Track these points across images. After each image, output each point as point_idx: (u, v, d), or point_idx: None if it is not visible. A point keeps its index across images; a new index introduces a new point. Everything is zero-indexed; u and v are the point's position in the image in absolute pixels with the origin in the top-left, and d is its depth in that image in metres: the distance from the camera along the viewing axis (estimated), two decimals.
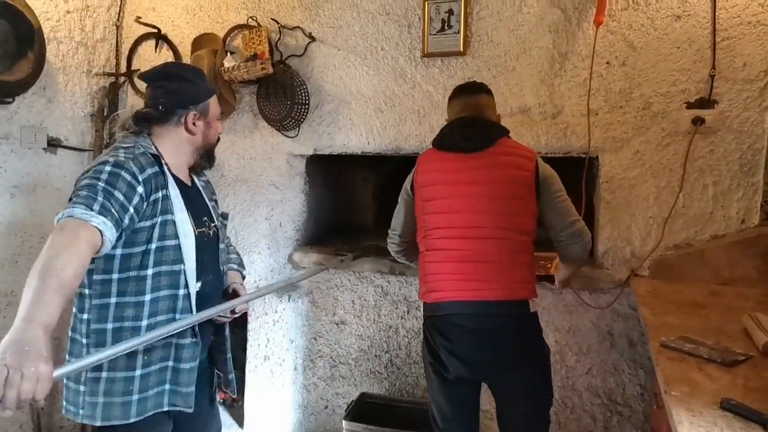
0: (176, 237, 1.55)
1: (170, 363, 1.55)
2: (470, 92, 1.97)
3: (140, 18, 2.94)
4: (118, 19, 3.00)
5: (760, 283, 2.11)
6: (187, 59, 2.86)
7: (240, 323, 3.00)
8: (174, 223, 1.55)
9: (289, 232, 2.84)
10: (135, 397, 1.49)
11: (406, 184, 1.99)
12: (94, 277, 1.48)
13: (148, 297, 1.50)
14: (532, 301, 1.80)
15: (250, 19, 2.69)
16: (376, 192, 3.44)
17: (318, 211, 3.01)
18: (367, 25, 2.59)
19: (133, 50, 3.00)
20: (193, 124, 1.65)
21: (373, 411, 2.50)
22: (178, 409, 1.56)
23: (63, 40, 2.80)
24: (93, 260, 1.43)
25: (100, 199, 1.36)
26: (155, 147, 1.60)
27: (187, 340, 1.56)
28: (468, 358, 1.78)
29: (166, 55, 2.95)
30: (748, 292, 2.06)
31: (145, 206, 1.48)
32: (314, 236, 2.96)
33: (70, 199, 1.39)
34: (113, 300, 1.48)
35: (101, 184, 1.39)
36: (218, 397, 3.04)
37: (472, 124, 1.87)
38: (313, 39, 2.66)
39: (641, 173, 2.26)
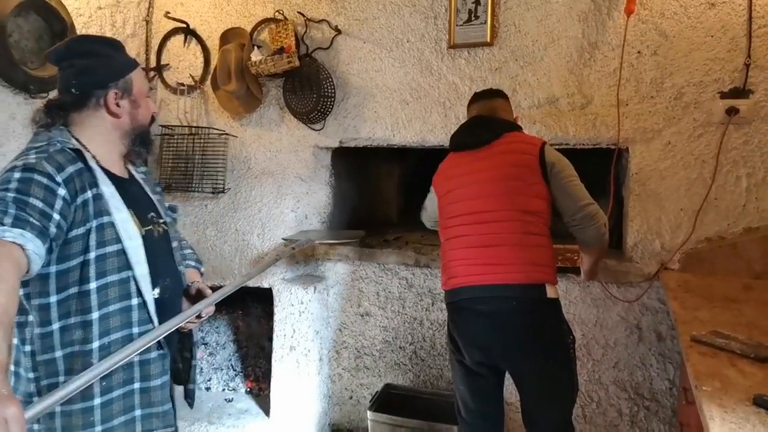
0: (118, 241, 1.33)
1: (136, 385, 1.37)
2: (486, 96, 2.05)
3: (169, 13, 2.98)
4: (147, 15, 3.04)
5: None
6: (215, 53, 2.89)
7: (266, 314, 3.05)
8: (113, 224, 1.33)
9: (315, 224, 2.86)
10: (98, 428, 1.29)
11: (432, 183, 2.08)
12: (32, 302, 1.28)
13: (95, 315, 1.30)
14: (551, 287, 1.79)
15: (276, 13, 2.71)
16: (401, 185, 3.44)
17: (343, 203, 3.02)
18: (392, 17, 2.58)
19: (162, 45, 3.04)
20: (116, 104, 1.40)
21: (398, 402, 2.51)
22: None
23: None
24: (27, 282, 1.26)
25: (11, 211, 1.14)
26: (75, 139, 1.37)
27: (153, 354, 1.39)
28: (481, 342, 1.80)
29: (194, 50, 2.99)
30: None
31: (73, 210, 1.26)
32: (340, 228, 2.98)
33: None
34: (56, 326, 1.28)
35: (11, 194, 1.17)
36: (246, 385, 3.12)
37: (477, 123, 1.97)
38: (339, 32, 2.67)
39: (672, 165, 2.21)
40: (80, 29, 2.71)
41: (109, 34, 2.89)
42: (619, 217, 2.39)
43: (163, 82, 3.05)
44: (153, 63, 3.06)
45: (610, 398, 2.36)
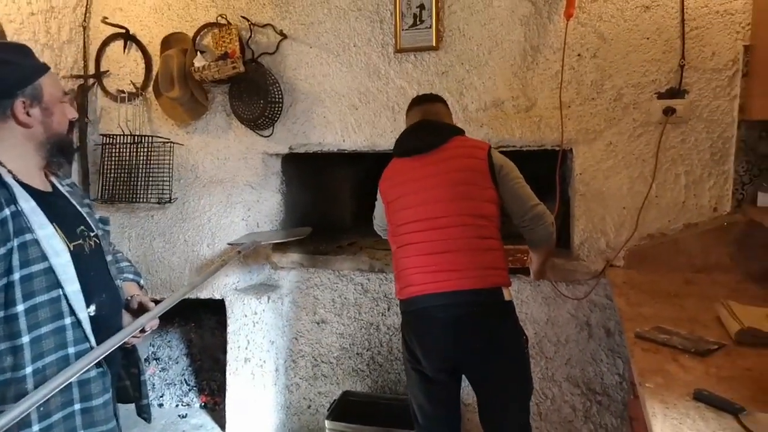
0: (44, 258, 1.27)
1: (77, 406, 1.32)
2: (425, 101, 2.05)
3: (107, 18, 2.87)
4: (84, 20, 2.92)
5: (733, 270, 2.15)
6: (157, 59, 2.80)
7: (221, 325, 2.98)
8: (37, 242, 1.26)
9: (269, 231, 2.81)
10: None
11: (378, 188, 2.04)
12: None
13: (26, 338, 1.23)
14: (506, 289, 1.81)
15: (219, 17, 2.64)
16: (354, 189, 3.42)
17: (295, 210, 2.98)
18: (338, 21, 2.56)
19: (101, 51, 2.93)
20: (26, 113, 1.32)
21: (356, 409, 2.50)
22: None
23: (27, 42, 2.69)
24: None
25: None
26: None
27: (92, 373, 1.34)
28: (442, 350, 1.79)
29: (135, 56, 2.88)
30: (723, 279, 2.09)
31: None
32: None
33: None
34: None
35: None
36: (200, 400, 3.04)
37: (423, 127, 1.95)
38: (284, 36, 2.63)
39: (614, 164, 2.28)
40: (11, 36, 2.59)
41: (43, 41, 2.77)
42: (566, 217, 2.44)
43: (103, 89, 2.93)
44: (92, 70, 2.95)
45: (564, 395, 2.41)
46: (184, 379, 3.13)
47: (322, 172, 3.23)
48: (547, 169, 2.34)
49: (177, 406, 3.08)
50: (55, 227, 1.32)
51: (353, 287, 2.68)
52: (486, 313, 1.77)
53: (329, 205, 3.37)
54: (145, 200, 2.84)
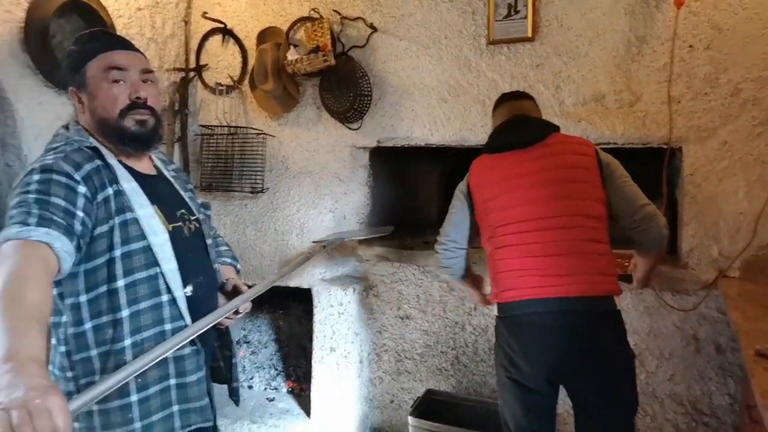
0: (143, 237, 1.31)
1: (172, 381, 1.36)
2: (514, 98, 1.95)
3: (206, 13, 2.98)
4: (186, 15, 3.05)
5: None
6: (252, 53, 2.88)
7: (307, 314, 3.06)
8: (137, 221, 1.31)
9: (353, 224, 2.83)
10: (137, 425, 1.29)
11: (460, 190, 1.93)
12: (65, 301, 1.28)
13: (125, 312, 1.29)
14: (617, 298, 1.70)
15: (312, 11, 2.67)
16: (441, 185, 3.37)
17: (382, 203, 2.98)
18: (429, 13, 2.50)
19: (201, 45, 3.05)
20: (79, 102, 1.35)
21: (439, 408, 2.47)
22: (194, 427, 1.40)
23: (134, 36, 2.86)
24: (60, 282, 1.26)
25: (35, 211, 1.14)
26: (93, 137, 1.35)
27: (187, 350, 1.37)
28: (549, 359, 1.69)
29: (232, 50, 2.98)
30: None
31: (95, 208, 1.25)
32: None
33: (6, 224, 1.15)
34: (88, 325, 1.28)
35: (32, 195, 1.17)
36: (287, 385, 3.15)
37: (519, 122, 1.84)
38: (374, 29, 2.61)
39: (729, 165, 2.07)
40: (120, 30, 2.74)
41: (148, 35, 2.92)
42: (673, 222, 2.26)
43: (203, 82, 3.06)
44: (192, 63, 3.08)
45: (666, 412, 2.25)
46: (272, 364, 3.25)
47: (408, 166, 3.21)
48: (650, 169, 2.18)
49: (265, 389, 3.20)
50: (155, 209, 1.36)
51: (438, 284, 2.65)
52: (597, 323, 1.66)
53: (415, 200, 3.34)
54: (239, 189, 2.95)
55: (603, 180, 1.72)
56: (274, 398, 3.10)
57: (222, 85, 2.99)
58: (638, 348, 2.25)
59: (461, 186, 1.93)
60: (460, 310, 2.60)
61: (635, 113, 2.19)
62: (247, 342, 3.33)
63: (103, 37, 1.42)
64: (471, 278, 2.07)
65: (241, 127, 2.95)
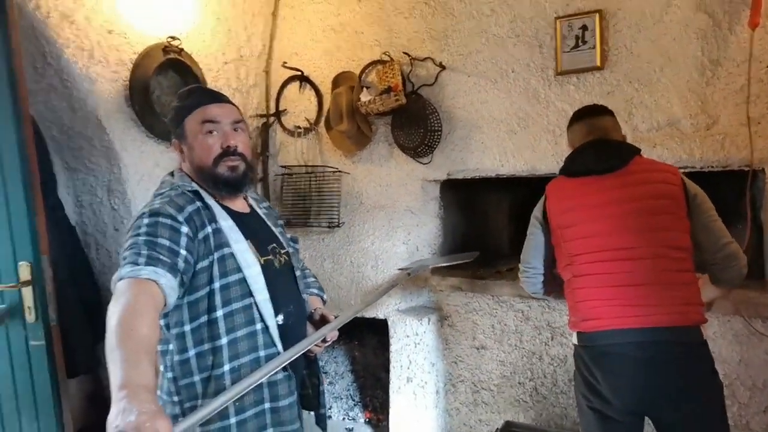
0: (239, 270, 1.43)
1: (267, 405, 1.46)
2: (593, 114, 1.89)
3: (286, 63, 3.20)
4: (266, 66, 3.29)
5: None
6: (327, 97, 3.06)
7: (381, 345, 3.12)
8: (233, 255, 1.43)
9: (426, 255, 2.89)
10: None
11: (536, 214, 1.92)
12: (171, 331, 1.41)
13: (224, 340, 1.40)
14: (704, 327, 1.66)
15: (383, 55, 2.82)
16: (511, 215, 3.38)
17: (453, 235, 3.04)
18: (496, 49, 2.59)
19: (280, 92, 3.27)
20: (181, 152, 1.54)
21: None
22: None
23: (222, 88, 3.11)
24: (166, 314, 1.39)
25: (144, 252, 1.27)
26: (195, 182, 1.51)
27: (280, 375, 1.47)
28: (635, 392, 1.65)
29: (308, 95, 3.17)
30: None
31: (196, 245, 1.38)
32: None
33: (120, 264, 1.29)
34: (192, 352, 1.40)
35: (141, 237, 1.30)
36: (365, 415, 3.19)
37: (601, 146, 1.79)
38: (443, 68, 2.72)
39: None
40: (210, 83, 2.99)
41: (234, 86, 3.16)
42: (759, 245, 2.17)
43: (282, 126, 3.26)
44: (272, 109, 3.30)
45: None
46: (350, 395, 3.32)
47: (478, 197, 3.25)
48: (728, 191, 2.12)
49: (344, 419, 3.27)
50: (249, 243, 1.48)
51: (513, 314, 2.64)
52: (686, 353, 1.63)
53: (486, 230, 3.37)
54: (317, 224, 3.10)
55: (689, 211, 1.69)
56: (353, 429, 3.15)
57: (300, 128, 3.18)
58: (728, 378, 2.14)
59: (536, 211, 1.92)
60: (536, 341, 2.58)
61: (713, 136, 2.15)
62: (325, 372, 3.42)
63: (198, 92, 1.59)
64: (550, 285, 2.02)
65: (317, 166, 3.11)
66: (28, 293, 1.95)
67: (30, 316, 1.96)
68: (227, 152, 1.49)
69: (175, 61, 2.70)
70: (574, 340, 1.79)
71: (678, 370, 1.61)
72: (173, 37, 2.66)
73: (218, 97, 1.57)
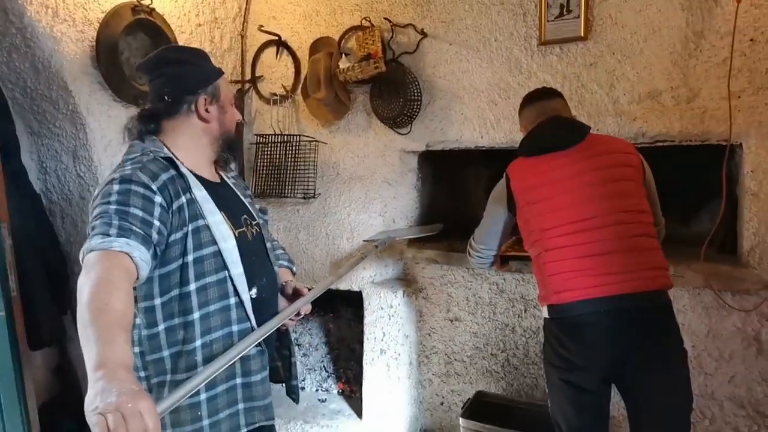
0: (214, 243, 1.38)
1: (238, 380, 1.42)
2: (544, 97, 1.94)
3: (262, 26, 3.10)
4: (242, 29, 3.18)
5: None
6: (305, 63, 2.98)
7: (356, 317, 3.10)
8: (208, 227, 1.38)
9: (402, 227, 2.86)
10: (206, 422, 1.36)
11: (497, 197, 1.95)
12: (139, 305, 1.34)
13: (197, 315, 1.35)
14: (674, 299, 1.71)
15: (363, 20, 2.74)
16: (489, 188, 3.35)
17: (430, 207, 3.01)
18: (479, 16, 2.53)
19: (256, 58, 3.17)
20: (206, 110, 1.46)
21: (490, 410, 2.45)
22: (258, 425, 1.45)
23: None
24: (135, 287, 1.30)
25: (115, 222, 1.20)
26: (167, 148, 1.43)
27: (253, 351, 1.42)
28: (608, 360, 1.67)
29: (286, 61, 3.09)
30: None
31: (170, 216, 1.32)
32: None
33: (89, 233, 1.22)
34: (161, 327, 1.34)
35: (112, 206, 1.23)
36: (338, 386, 3.19)
37: (558, 123, 1.85)
38: (424, 35, 2.66)
39: None
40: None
41: (208, 49, 3.03)
42: (733, 219, 2.19)
43: (258, 93, 3.17)
44: (248, 75, 3.20)
45: (725, 415, 2.17)
46: (323, 366, 3.30)
47: (457, 170, 3.22)
48: (705, 165, 2.13)
49: (317, 390, 3.25)
50: (222, 215, 1.43)
51: (488, 286, 2.64)
52: (656, 317, 1.66)
53: (464, 203, 3.35)
54: (292, 195, 3.04)
55: (644, 180, 1.78)
56: (325, 399, 3.14)
57: (276, 95, 3.09)
58: (696, 349, 2.18)
59: (499, 192, 1.94)
60: (510, 313, 2.59)
61: (693, 110, 2.14)
62: (299, 345, 3.40)
63: (210, 58, 1.57)
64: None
65: (293, 135, 3.04)
66: None
67: None
68: (238, 124, 1.60)
69: (145, 21, 2.58)
70: (545, 313, 1.79)
71: (649, 334, 1.64)
72: None
73: None
